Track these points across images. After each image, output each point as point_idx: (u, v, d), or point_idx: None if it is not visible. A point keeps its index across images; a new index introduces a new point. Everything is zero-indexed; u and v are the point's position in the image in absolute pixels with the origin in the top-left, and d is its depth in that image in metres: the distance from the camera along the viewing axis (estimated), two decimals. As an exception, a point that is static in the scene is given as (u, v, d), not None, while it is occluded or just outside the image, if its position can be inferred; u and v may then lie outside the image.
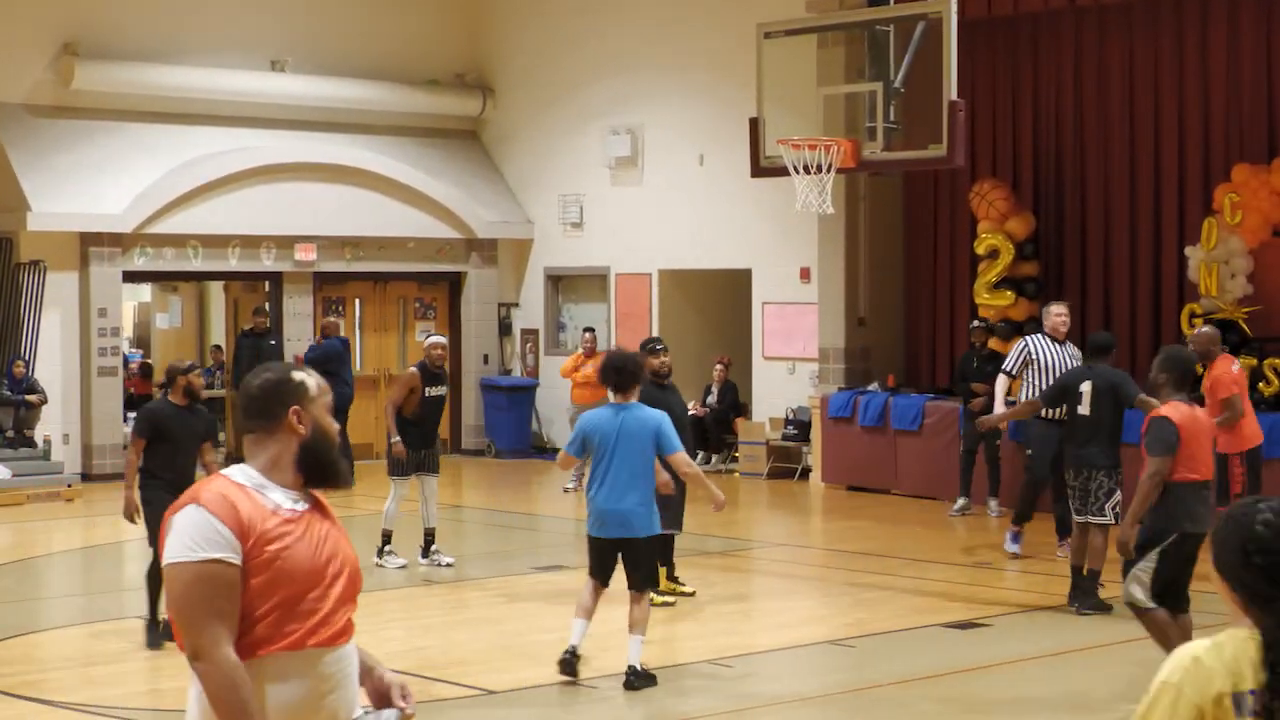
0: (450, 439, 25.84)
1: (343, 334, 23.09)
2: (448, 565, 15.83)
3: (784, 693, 11.44)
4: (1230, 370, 14.96)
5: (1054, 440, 15.22)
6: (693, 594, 14.11)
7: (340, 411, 20.33)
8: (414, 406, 15.84)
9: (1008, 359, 16.68)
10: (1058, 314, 16.21)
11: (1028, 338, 16.58)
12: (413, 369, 16.13)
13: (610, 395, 11.55)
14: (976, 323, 19.71)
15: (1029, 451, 16.16)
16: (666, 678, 11.03)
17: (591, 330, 22.49)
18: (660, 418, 11.18)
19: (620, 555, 11.06)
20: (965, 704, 11.02)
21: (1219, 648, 3.94)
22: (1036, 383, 15.93)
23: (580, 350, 22.09)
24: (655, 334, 22.95)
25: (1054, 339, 16.13)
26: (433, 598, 14.73)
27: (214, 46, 23.90)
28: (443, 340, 16.59)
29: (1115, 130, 20.12)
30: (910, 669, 11.76)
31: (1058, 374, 15.36)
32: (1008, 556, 16.04)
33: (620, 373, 11.36)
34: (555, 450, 24.93)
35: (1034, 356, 16.11)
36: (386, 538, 15.89)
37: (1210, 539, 4.13)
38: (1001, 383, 16.59)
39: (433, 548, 15.97)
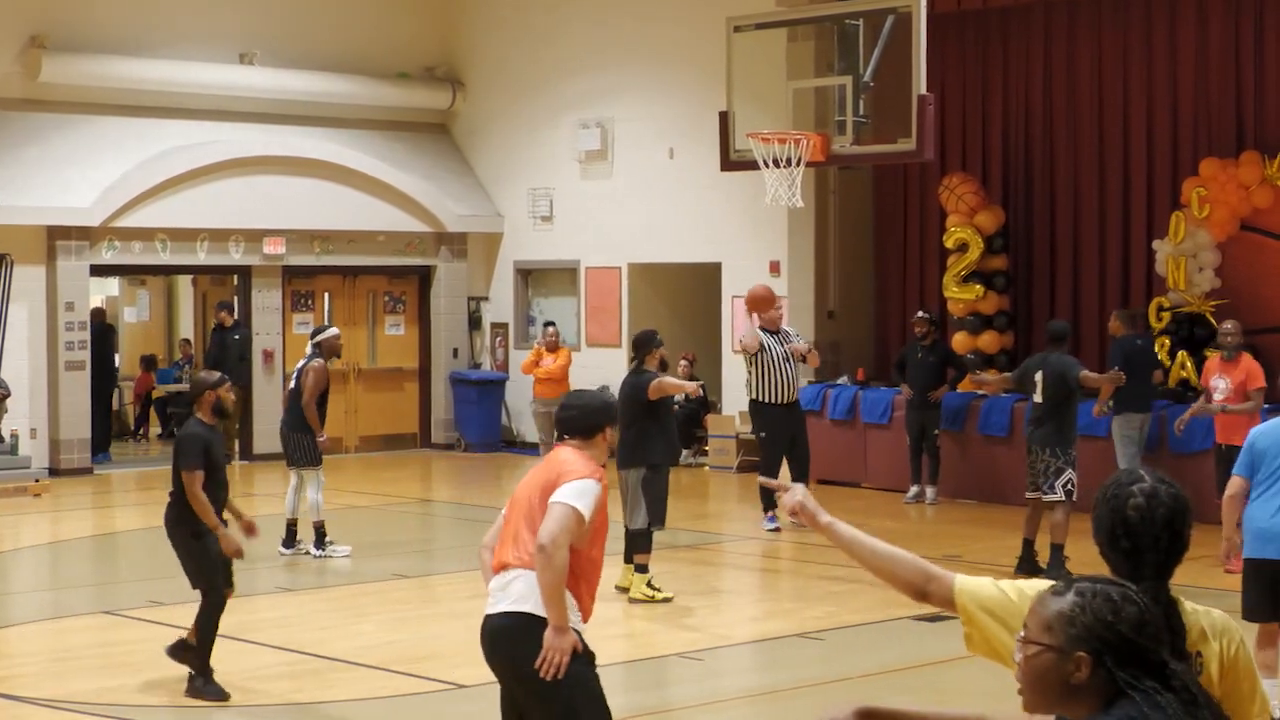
0: (420, 433, 25.83)
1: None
2: (322, 556, 15.84)
3: (754, 685, 11.46)
4: (1257, 363, 15.43)
5: (782, 422, 17.22)
6: (670, 599, 13.95)
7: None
8: (316, 398, 16.05)
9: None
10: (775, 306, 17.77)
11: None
12: (322, 362, 16.12)
13: None
14: (921, 314, 19.86)
15: (761, 434, 17.51)
16: (637, 671, 11.03)
17: (553, 324, 22.43)
18: None
19: None
20: (935, 696, 11.04)
21: None
22: (770, 375, 17.33)
23: (541, 345, 21.98)
24: (627, 327, 22.97)
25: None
26: (403, 592, 14.71)
27: (182, 39, 23.80)
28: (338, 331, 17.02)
29: (1084, 124, 20.18)
30: (880, 661, 11.80)
31: (782, 364, 17.22)
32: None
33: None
34: (525, 444, 24.95)
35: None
36: (322, 529, 15.90)
37: (1092, 511, 4.25)
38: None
39: (327, 539, 16.06)
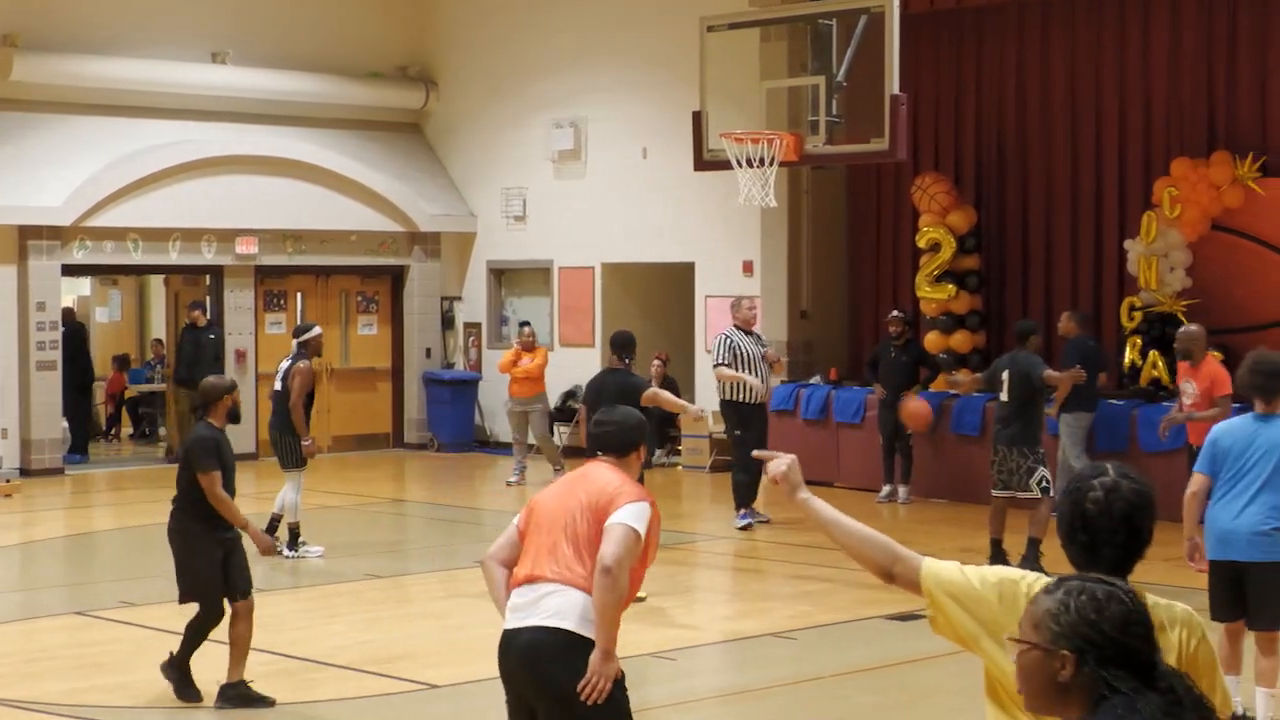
0: (393, 433, 25.80)
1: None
2: (295, 557, 15.82)
3: (727, 685, 11.47)
4: (1223, 369, 15.14)
5: (755, 420, 17.46)
6: (644, 599, 13.95)
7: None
8: (304, 400, 16.01)
9: (716, 353, 17.83)
10: (749, 307, 17.90)
11: (725, 332, 17.95)
12: (308, 363, 16.08)
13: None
14: (895, 313, 19.91)
15: (737, 432, 17.60)
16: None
17: (528, 324, 22.42)
18: None
19: None
20: (906, 695, 11.07)
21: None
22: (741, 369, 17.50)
23: (517, 345, 21.96)
24: (600, 327, 22.97)
25: (745, 330, 17.68)
26: (376, 592, 14.69)
27: (154, 38, 23.74)
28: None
29: (1057, 124, 20.23)
30: (852, 661, 11.81)
31: (754, 365, 17.39)
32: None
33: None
34: (498, 444, 24.94)
35: (736, 348, 17.56)
36: (297, 530, 15.87)
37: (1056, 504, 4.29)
38: (726, 375, 17.60)
39: (300, 539, 16.03)
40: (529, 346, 21.56)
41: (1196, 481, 9.44)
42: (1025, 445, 14.85)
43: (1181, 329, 15.33)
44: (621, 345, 14.91)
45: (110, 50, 23.23)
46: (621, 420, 7.22)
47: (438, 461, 24.42)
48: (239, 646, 10.41)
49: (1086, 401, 17.41)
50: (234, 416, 10.76)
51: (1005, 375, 15.04)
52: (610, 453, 7.11)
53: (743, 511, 17.56)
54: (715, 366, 17.76)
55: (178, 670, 10.51)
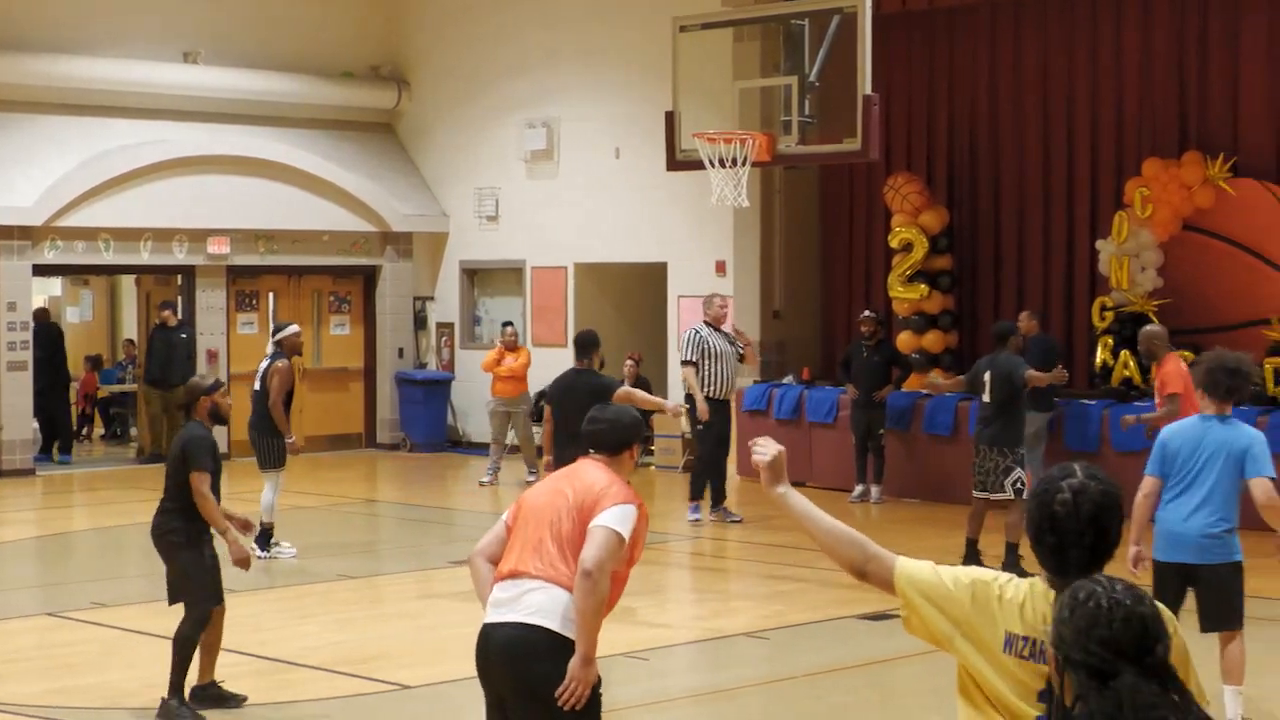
0: (365, 433, 25.76)
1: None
2: (267, 557, 15.76)
3: (700, 685, 11.47)
4: (1180, 367, 15.04)
5: (723, 416, 17.77)
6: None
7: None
8: (283, 399, 16.01)
9: (685, 349, 18.11)
10: (720, 304, 18.17)
11: (695, 326, 18.23)
12: (286, 362, 16.04)
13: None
14: (867, 313, 19.94)
15: (699, 427, 17.95)
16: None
17: (511, 324, 22.42)
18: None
19: None
20: (879, 695, 11.09)
21: (1016, 589, 4.28)
22: (710, 370, 17.77)
23: (501, 344, 21.94)
24: (573, 327, 22.93)
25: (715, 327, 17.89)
26: (349, 593, 14.67)
27: (126, 38, 23.67)
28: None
29: (1029, 124, 20.28)
30: (825, 660, 11.82)
31: (723, 360, 17.66)
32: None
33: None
34: (471, 444, 24.92)
35: (705, 344, 17.83)
36: (270, 530, 15.84)
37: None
38: (689, 373, 17.92)
39: (273, 540, 16.01)
40: (512, 346, 21.54)
41: (1147, 484, 9.42)
42: (1006, 445, 14.90)
43: (1142, 329, 15.25)
44: (583, 345, 14.84)
45: (81, 50, 23.16)
46: (615, 418, 7.14)
47: (410, 462, 24.38)
48: (213, 649, 10.33)
49: (1044, 401, 17.53)
50: (216, 416, 10.49)
51: (987, 376, 15.09)
52: (603, 451, 7.04)
53: (694, 504, 17.96)
54: (683, 364, 17.89)
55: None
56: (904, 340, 20.43)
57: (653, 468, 22.62)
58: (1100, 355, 18.90)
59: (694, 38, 18.32)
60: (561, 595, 6.64)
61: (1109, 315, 18.94)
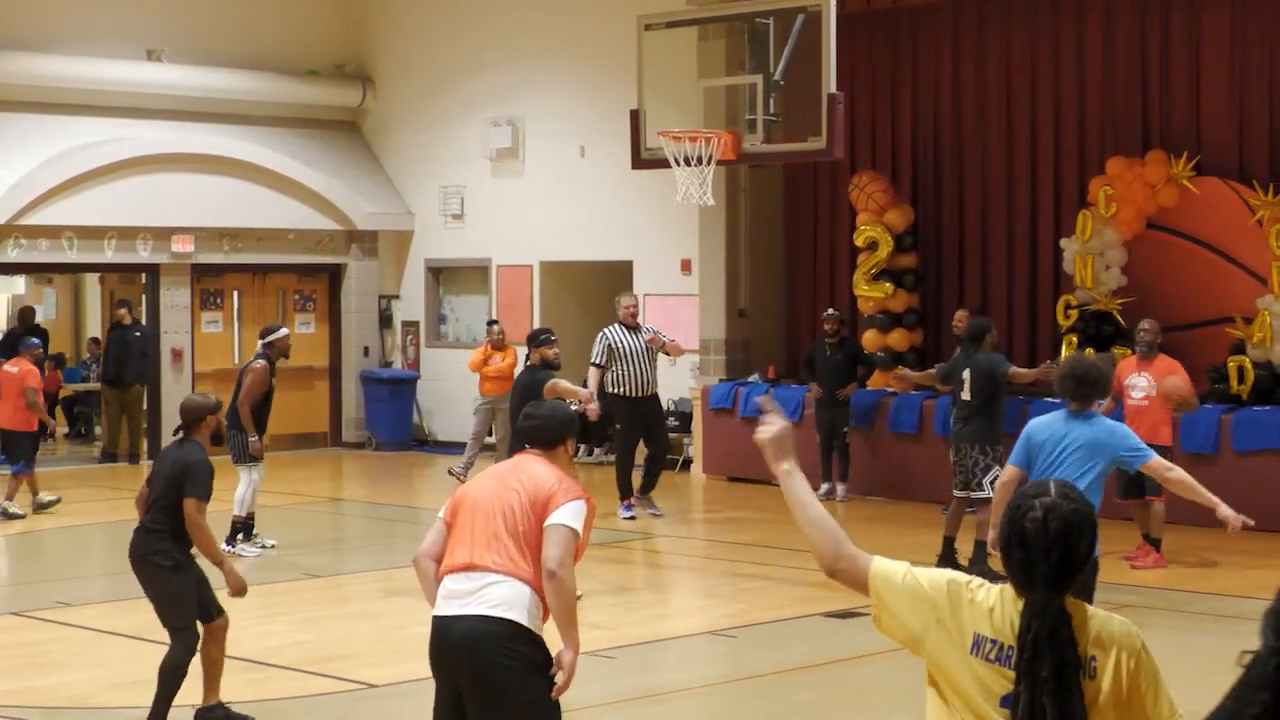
0: (330, 431, 25.73)
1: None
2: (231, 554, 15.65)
3: (665, 683, 11.48)
4: (1176, 362, 15.50)
5: (637, 415, 17.90)
6: (580, 596, 13.96)
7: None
8: (260, 399, 15.95)
9: (594, 350, 18.21)
10: (627, 305, 18.28)
11: (606, 329, 18.32)
12: (263, 362, 16.04)
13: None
14: (830, 311, 19.98)
15: (615, 425, 18.38)
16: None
17: (497, 323, 22.32)
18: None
19: None
20: (844, 693, 11.11)
21: (987, 593, 4.31)
22: (621, 370, 17.93)
23: (488, 343, 21.88)
24: (538, 325, 22.88)
25: (628, 327, 18.09)
26: (313, 592, 14.65)
27: (89, 35, 23.59)
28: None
29: (993, 123, 20.33)
30: (790, 658, 11.84)
31: (634, 360, 17.82)
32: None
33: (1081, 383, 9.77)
34: (436, 443, 24.89)
35: (615, 345, 17.98)
36: (239, 526, 15.84)
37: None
38: (593, 375, 18.02)
39: (255, 534, 16.03)
40: (499, 345, 21.49)
41: (1009, 473, 9.77)
42: (987, 442, 14.93)
43: (1145, 322, 15.76)
44: (528, 341, 15.56)
45: (44, 47, 23.07)
46: (549, 415, 7.29)
47: (375, 460, 24.35)
48: (216, 668, 9.82)
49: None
50: (217, 438, 10.08)
51: (966, 374, 15.10)
52: (537, 446, 7.18)
53: (626, 503, 18.06)
54: (591, 365, 18.16)
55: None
56: (869, 339, 20.48)
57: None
58: (1065, 354, 18.95)
59: (659, 36, 18.32)
60: (523, 589, 6.75)
61: (1073, 314, 19.01)
